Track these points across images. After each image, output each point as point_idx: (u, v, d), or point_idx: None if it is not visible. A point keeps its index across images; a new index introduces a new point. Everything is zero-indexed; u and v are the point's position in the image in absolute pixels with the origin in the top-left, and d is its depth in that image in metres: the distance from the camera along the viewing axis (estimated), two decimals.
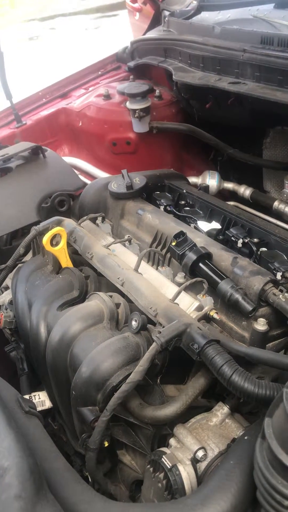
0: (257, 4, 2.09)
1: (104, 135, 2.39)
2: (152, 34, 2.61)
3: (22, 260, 1.72)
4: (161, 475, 1.09)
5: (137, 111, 2.23)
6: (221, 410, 1.19)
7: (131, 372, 1.15)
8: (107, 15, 11.76)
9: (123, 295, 1.45)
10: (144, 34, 2.71)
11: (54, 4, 13.97)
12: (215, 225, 1.69)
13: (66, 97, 2.67)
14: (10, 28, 11.52)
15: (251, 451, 0.92)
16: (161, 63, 2.35)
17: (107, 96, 2.43)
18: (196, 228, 1.69)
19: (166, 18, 2.48)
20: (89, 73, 2.81)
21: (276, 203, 2.17)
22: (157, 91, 2.43)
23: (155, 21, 2.72)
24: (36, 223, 1.74)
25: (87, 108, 2.45)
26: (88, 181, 2.20)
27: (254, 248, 1.51)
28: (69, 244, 1.64)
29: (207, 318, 1.30)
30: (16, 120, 2.45)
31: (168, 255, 1.56)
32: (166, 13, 2.56)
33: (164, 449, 1.14)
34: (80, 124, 2.48)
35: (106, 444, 1.21)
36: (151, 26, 2.72)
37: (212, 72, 2.02)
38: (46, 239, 1.54)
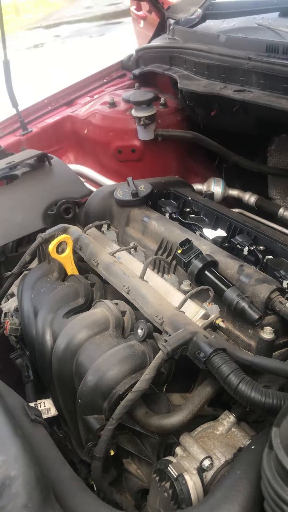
0: (262, 13, 2.10)
1: (109, 143, 2.41)
2: (157, 42, 2.63)
3: (28, 267, 1.72)
4: (167, 484, 1.08)
5: (142, 119, 2.24)
6: (227, 419, 1.19)
7: (137, 381, 1.14)
8: (112, 23, 11.84)
9: (128, 302, 1.45)
10: (149, 42, 2.73)
11: (59, 12, 14.10)
12: (221, 232, 1.70)
13: (72, 105, 2.69)
14: (15, 36, 11.64)
15: (258, 461, 0.91)
16: (166, 71, 2.36)
17: (112, 104, 2.44)
18: (202, 235, 1.69)
19: (171, 26, 2.50)
20: (94, 81, 2.83)
21: (281, 210, 2.17)
22: (162, 98, 2.44)
23: (160, 29, 2.74)
24: (42, 230, 1.75)
25: (93, 116, 2.46)
26: (93, 189, 2.21)
27: (260, 256, 1.50)
28: (74, 252, 1.64)
29: (213, 327, 1.30)
30: (22, 128, 2.47)
31: (174, 262, 1.56)
32: (171, 21, 2.58)
33: (170, 458, 1.13)
34: (86, 131, 2.49)
35: (112, 452, 1.21)
36: (156, 34, 2.74)
37: (217, 80, 2.03)
38: (52, 247, 1.55)
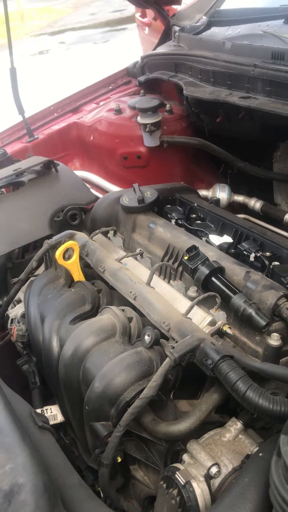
0: (267, 20, 2.10)
1: (115, 149, 2.42)
2: (162, 49, 2.64)
3: (35, 274, 1.73)
4: (175, 492, 1.08)
5: (147, 126, 2.25)
6: (235, 426, 1.18)
7: (144, 387, 1.14)
8: (116, 29, 11.92)
9: (135, 309, 1.45)
10: (154, 49, 2.74)
11: (64, 19, 14.20)
12: (227, 238, 1.70)
13: (77, 112, 2.70)
14: (21, 42, 11.73)
15: (265, 469, 0.91)
16: (172, 77, 2.37)
17: (118, 111, 2.45)
18: (208, 241, 1.69)
19: (176, 33, 2.51)
20: (100, 88, 2.84)
21: (287, 216, 2.17)
22: (168, 105, 2.45)
23: (165, 36, 2.75)
24: (49, 236, 1.75)
25: (98, 122, 2.47)
26: (99, 195, 2.22)
27: (267, 262, 1.50)
28: (81, 258, 1.65)
29: (220, 333, 1.30)
30: (28, 135, 2.49)
31: (180, 268, 1.56)
32: (176, 28, 2.59)
33: (177, 465, 1.13)
34: (91, 138, 2.50)
35: (119, 459, 1.21)
36: (161, 41, 2.75)
37: (222, 86, 2.04)
38: (58, 253, 1.55)
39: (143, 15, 5.20)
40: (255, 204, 2.31)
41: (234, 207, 2.43)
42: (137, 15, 5.45)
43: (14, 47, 2.33)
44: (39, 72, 9.05)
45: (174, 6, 3.03)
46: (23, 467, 0.87)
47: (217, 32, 2.35)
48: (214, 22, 2.39)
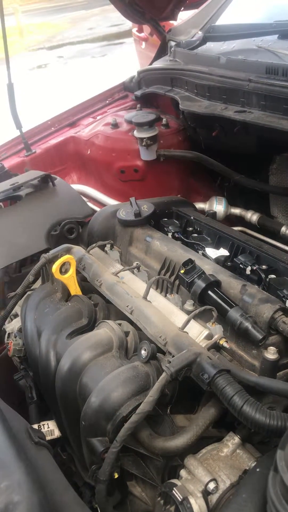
0: (261, 35, 2.13)
1: (112, 163, 2.43)
2: (158, 63, 2.67)
3: (32, 288, 1.73)
4: (172, 508, 1.07)
5: (144, 140, 2.27)
6: (232, 440, 1.18)
7: (141, 403, 1.14)
8: (114, 43, 12.06)
9: (132, 323, 1.45)
10: (151, 63, 2.77)
11: (62, 33, 14.37)
12: (223, 252, 1.70)
13: (75, 126, 2.72)
14: (19, 57, 11.85)
15: (263, 484, 0.90)
16: (168, 92, 2.39)
17: (115, 125, 2.47)
18: (204, 255, 1.69)
19: (172, 49, 2.54)
20: (97, 102, 2.87)
21: (283, 229, 2.18)
22: (164, 119, 2.47)
23: (162, 51, 2.78)
24: (46, 250, 1.75)
25: (95, 136, 2.49)
26: (97, 208, 2.22)
27: (263, 275, 1.51)
28: (78, 272, 1.65)
29: (216, 347, 1.30)
30: (26, 149, 2.50)
31: (177, 282, 1.56)
32: (172, 43, 2.62)
33: (174, 480, 1.12)
34: (89, 152, 2.52)
35: (116, 475, 1.20)
36: (158, 56, 2.79)
37: (218, 101, 2.06)
38: (55, 267, 1.55)
39: (140, 30, 5.28)
40: (252, 216, 2.32)
41: (231, 219, 2.44)
42: (134, 30, 5.53)
43: (13, 61, 2.36)
44: (37, 86, 9.12)
45: (170, 22, 3.07)
46: (18, 484, 0.86)
47: (212, 47, 2.38)
48: (210, 37, 2.42)
